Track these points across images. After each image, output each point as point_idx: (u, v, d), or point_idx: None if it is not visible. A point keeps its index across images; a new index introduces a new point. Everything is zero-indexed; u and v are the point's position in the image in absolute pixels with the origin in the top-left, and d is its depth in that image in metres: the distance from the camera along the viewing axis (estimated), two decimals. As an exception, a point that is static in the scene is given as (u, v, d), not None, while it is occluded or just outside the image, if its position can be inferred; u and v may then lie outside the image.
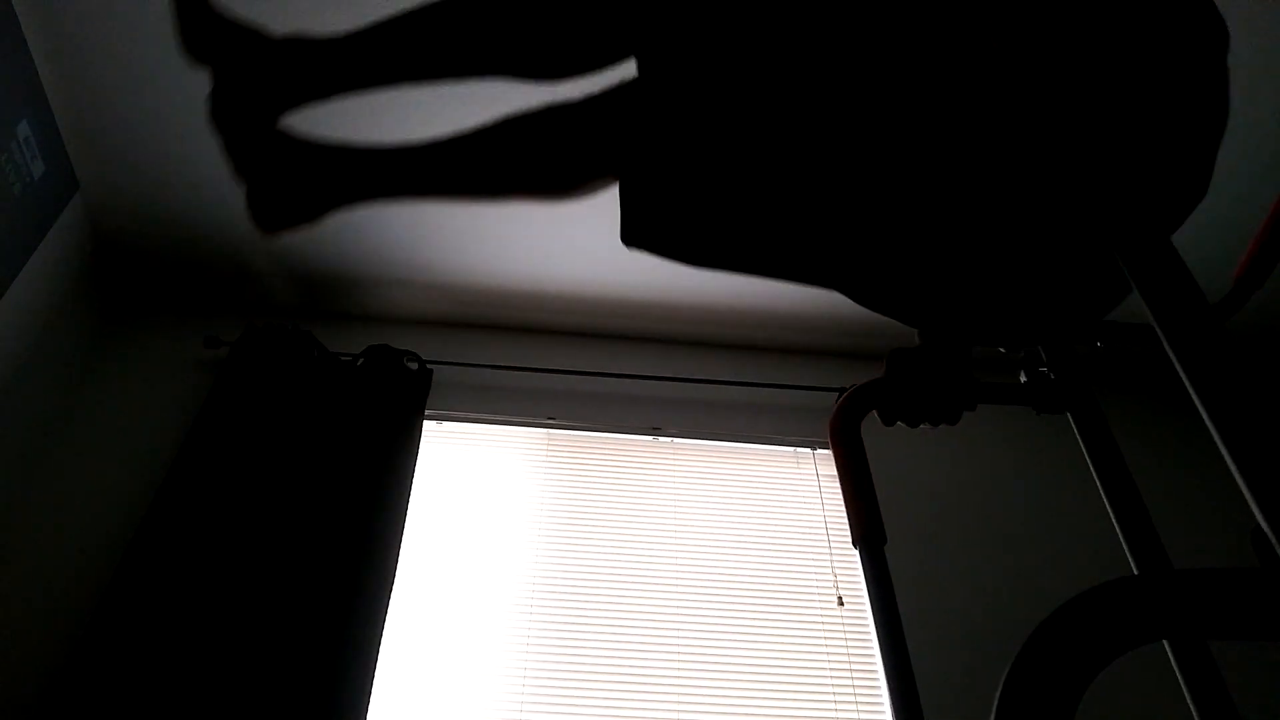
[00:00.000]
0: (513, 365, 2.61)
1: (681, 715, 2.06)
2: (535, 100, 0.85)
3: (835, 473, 2.68)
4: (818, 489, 2.52)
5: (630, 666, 2.13)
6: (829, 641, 2.22)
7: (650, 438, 2.59)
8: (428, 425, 2.47)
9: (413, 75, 0.88)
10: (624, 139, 0.79)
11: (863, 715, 2.11)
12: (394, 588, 2.04)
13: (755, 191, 0.75)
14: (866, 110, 0.70)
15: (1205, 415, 0.56)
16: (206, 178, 2.29)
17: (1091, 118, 0.66)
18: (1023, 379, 1.12)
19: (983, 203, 0.74)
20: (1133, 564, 0.98)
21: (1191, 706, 0.88)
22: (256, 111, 0.86)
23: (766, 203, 0.76)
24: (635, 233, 0.79)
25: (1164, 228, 0.71)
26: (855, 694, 2.14)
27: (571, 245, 2.50)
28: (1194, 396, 0.57)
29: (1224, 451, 0.55)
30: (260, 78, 0.86)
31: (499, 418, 2.55)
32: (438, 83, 0.88)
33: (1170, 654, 0.91)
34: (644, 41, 0.77)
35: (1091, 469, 1.05)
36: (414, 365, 2.48)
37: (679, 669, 2.13)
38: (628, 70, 0.79)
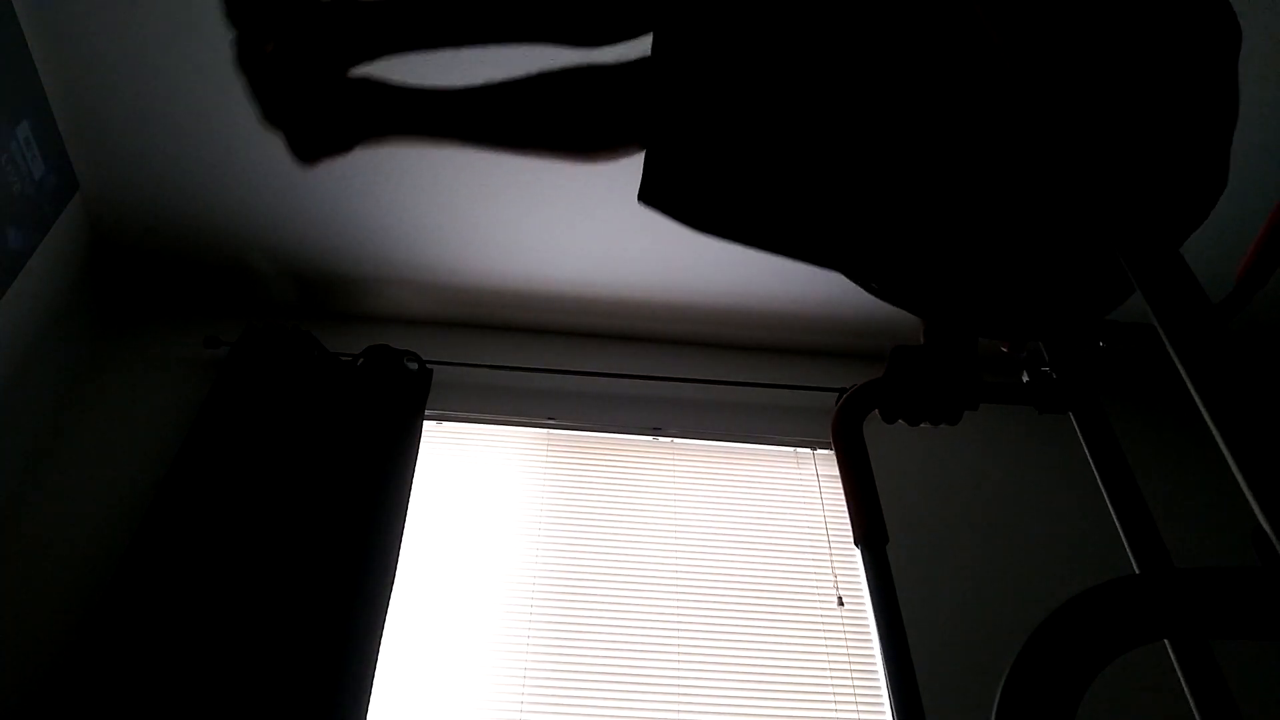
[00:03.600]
0: (513, 365, 2.61)
1: (681, 715, 2.06)
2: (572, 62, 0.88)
3: (835, 472, 2.65)
4: (818, 489, 2.52)
5: (630, 666, 2.12)
6: (829, 641, 2.22)
7: (650, 438, 2.59)
8: (428, 425, 2.47)
9: (455, 40, 0.90)
10: (651, 105, 0.81)
11: (863, 715, 2.11)
12: (394, 588, 2.04)
13: (769, 167, 0.78)
14: (875, 96, 0.72)
15: (1206, 415, 0.56)
16: (206, 178, 2.29)
17: (1098, 114, 0.67)
18: (1025, 379, 1.12)
19: (989, 192, 0.74)
20: (1134, 563, 0.98)
21: (1193, 706, 0.88)
22: (297, 69, 0.88)
23: (779, 178, 0.78)
24: (652, 191, 0.82)
25: (1173, 229, 0.71)
26: (855, 694, 2.14)
27: (571, 245, 2.50)
28: (1196, 397, 0.57)
29: (1225, 451, 0.55)
30: (307, 40, 0.88)
31: (499, 418, 2.55)
32: (479, 47, 0.90)
33: (1172, 653, 0.91)
34: (665, 15, 0.79)
35: (1093, 468, 1.04)
36: (414, 365, 2.48)
37: (679, 669, 2.13)
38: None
